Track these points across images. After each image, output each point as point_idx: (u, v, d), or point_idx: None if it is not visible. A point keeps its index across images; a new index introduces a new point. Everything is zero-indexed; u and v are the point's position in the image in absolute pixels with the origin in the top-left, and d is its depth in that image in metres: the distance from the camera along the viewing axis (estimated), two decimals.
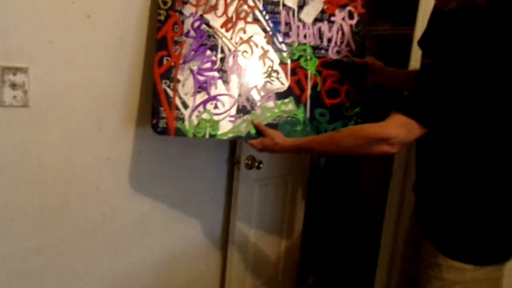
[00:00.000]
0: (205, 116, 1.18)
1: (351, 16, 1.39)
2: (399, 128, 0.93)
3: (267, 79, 1.25)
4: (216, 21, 1.22)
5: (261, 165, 1.54)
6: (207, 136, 1.18)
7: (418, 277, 1.10)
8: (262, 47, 1.26)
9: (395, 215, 1.64)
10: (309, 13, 1.36)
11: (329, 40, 1.34)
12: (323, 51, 1.33)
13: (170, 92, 1.18)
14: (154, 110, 1.14)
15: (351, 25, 1.40)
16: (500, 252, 1.00)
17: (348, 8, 1.39)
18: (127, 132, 1.21)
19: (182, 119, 1.16)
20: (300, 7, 1.32)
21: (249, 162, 1.53)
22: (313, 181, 2.12)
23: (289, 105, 1.26)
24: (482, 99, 0.87)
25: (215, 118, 1.19)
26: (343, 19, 1.37)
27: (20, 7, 0.96)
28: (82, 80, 1.10)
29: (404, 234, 1.37)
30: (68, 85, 1.07)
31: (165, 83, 1.18)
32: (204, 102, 1.18)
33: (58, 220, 1.11)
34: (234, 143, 1.57)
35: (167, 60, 1.20)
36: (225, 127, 1.19)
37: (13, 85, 0.95)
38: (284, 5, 1.29)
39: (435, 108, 0.91)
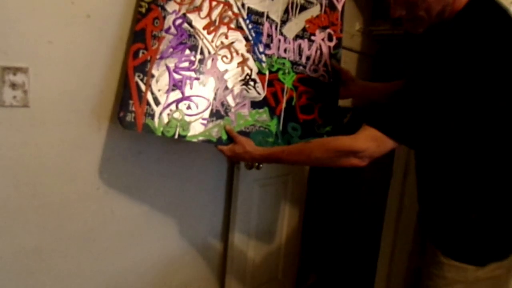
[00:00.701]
0: (176, 115, 1.11)
1: (330, 38, 1.39)
2: (369, 142, 0.91)
3: (244, 86, 1.21)
4: (199, 22, 1.17)
5: (261, 165, 1.49)
6: (176, 136, 1.11)
7: (422, 275, 1.07)
8: (242, 55, 1.22)
9: (395, 215, 1.63)
10: (291, 29, 1.33)
11: (308, 58, 1.33)
12: (301, 67, 1.32)
13: (142, 86, 1.09)
14: (123, 102, 1.05)
15: (329, 47, 1.39)
16: (499, 250, 0.98)
17: (328, 30, 1.38)
18: (127, 132, 1.15)
19: (152, 115, 1.08)
20: (283, 22, 1.29)
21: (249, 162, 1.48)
22: (313, 181, 2.05)
23: (263, 115, 1.22)
24: (457, 115, 0.85)
25: (187, 118, 1.12)
26: (322, 39, 1.37)
27: (20, 7, 0.93)
28: (82, 80, 1.07)
29: (409, 232, 1.32)
30: (68, 85, 1.04)
31: (138, 76, 1.08)
32: (178, 101, 1.12)
33: (58, 220, 1.08)
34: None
35: (143, 53, 1.12)
36: (196, 129, 1.13)
37: (13, 85, 0.93)
38: (268, 17, 1.27)
39: (406, 123, 0.89)
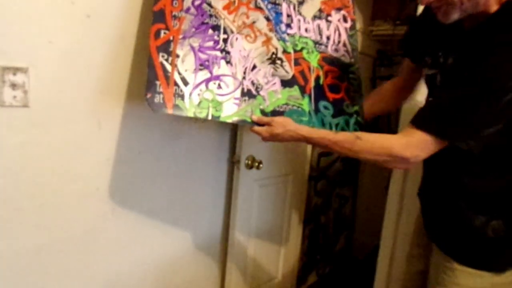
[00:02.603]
0: (207, 95, 0.98)
1: (345, 19, 1.29)
2: (420, 149, 0.85)
3: (272, 65, 1.09)
4: (218, 2, 1.05)
5: (261, 165, 1.42)
6: (209, 117, 0.97)
7: (430, 279, 1.01)
8: (266, 34, 1.10)
9: (395, 215, 1.55)
10: (308, 10, 1.19)
11: (328, 38, 1.23)
12: (323, 47, 1.21)
13: (168, 66, 0.94)
14: (149, 84, 0.92)
15: (345, 28, 1.29)
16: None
17: (342, 12, 1.28)
18: (127, 132, 1.13)
19: (182, 96, 0.95)
20: (300, 3, 1.19)
21: (249, 162, 1.42)
22: (313, 181, 1.97)
23: (294, 93, 1.10)
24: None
25: (219, 98, 0.99)
26: (338, 20, 1.26)
27: (20, 7, 0.89)
28: (82, 80, 1.01)
29: (408, 233, 1.23)
30: (68, 85, 0.99)
31: (163, 56, 0.94)
32: (207, 81, 0.99)
33: (58, 220, 1.03)
34: (234, 143, 1.45)
35: (164, 33, 0.96)
36: (230, 109, 1.00)
37: (13, 85, 0.89)
38: None
39: (459, 123, 0.82)
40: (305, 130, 1.01)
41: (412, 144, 0.86)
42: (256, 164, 1.42)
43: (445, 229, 0.99)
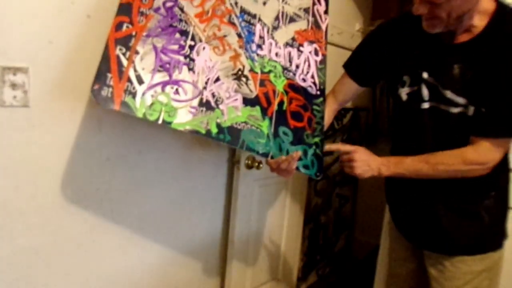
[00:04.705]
0: (162, 98, 0.88)
1: (316, 53, 1.23)
2: (493, 153, 0.91)
3: (236, 81, 1.02)
4: (191, 9, 0.98)
5: (261, 165, 1.39)
6: (160, 121, 0.87)
7: (434, 276, 1.04)
8: (235, 50, 1.03)
9: None
10: (281, 36, 1.13)
11: (297, 66, 1.17)
12: (291, 74, 1.16)
13: (124, 61, 0.84)
14: (99, 75, 0.81)
15: (316, 61, 1.25)
16: (505, 228, 1.01)
17: (315, 45, 1.24)
18: (127, 132, 1.11)
19: (133, 94, 0.84)
20: (274, 28, 1.14)
21: (249, 162, 1.39)
22: (313, 181, 1.89)
23: (255, 114, 1.04)
24: None
25: (174, 104, 0.89)
26: (310, 52, 1.21)
27: (20, 7, 0.86)
28: (82, 80, 0.98)
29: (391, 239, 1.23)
30: (68, 85, 0.96)
31: (120, 49, 0.83)
32: (164, 84, 0.89)
33: (58, 220, 1.01)
34: None
35: (127, 27, 0.84)
36: (184, 117, 0.91)
37: (13, 85, 0.88)
38: (260, 19, 1.12)
39: None
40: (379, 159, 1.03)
41: (483, 150, 0.92)
42: (256, 164, 1.39)
43: (437, 230, 1.01)
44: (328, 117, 1.23)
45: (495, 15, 0.87)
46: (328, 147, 1.08)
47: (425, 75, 0.96)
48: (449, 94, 0.92)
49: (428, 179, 0.96)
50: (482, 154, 0.90)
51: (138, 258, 1.23)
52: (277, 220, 1.65)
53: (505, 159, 0.97)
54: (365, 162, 1.01)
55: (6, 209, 0.91)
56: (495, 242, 0.99)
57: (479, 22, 0.88)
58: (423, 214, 1.02)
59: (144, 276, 1.25)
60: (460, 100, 0.91)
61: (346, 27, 2.07)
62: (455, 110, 0.91)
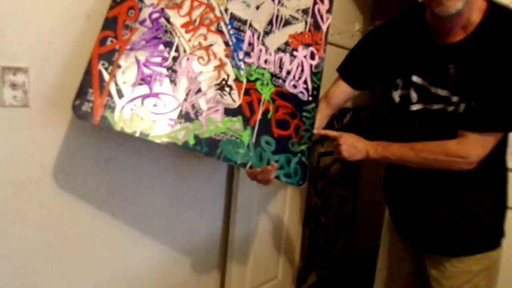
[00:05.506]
0: (140, 111, 0.92)
1: (312, 56, 1.22)
2: (477, 147, 0.92)
3: (219, 91, 1.04)
4: (177, 19, 1.00)
5: None
6: (137, 134, 0.92)
7: (435, 276, 1.06)
8: (220, 59, 1.05)
9: None
10: (273, 41, 1.14)
11: (288, 72, 1.17)
12: (280, 81, 1.15)
13: (106, 76, 0.89)
14: (81, 90, 0.86)
15: (311, 65, 1.22)
16: (502, 226, 1.02)
17: (311, 48, 1.22)
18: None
19: (113, 108, 0.89)
20: (266, 33, 1.14)
21: None
22: (313, 181, 1.89)
23: (236, 124, 1.05)
24: None
25: (152, 117, 0.94)
26: (304, 56, 1.20)
27: (20, 7, 0.87)
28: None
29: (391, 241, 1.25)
30: (68, 85, 0.95)
31: (103, 64, 0.89)
32: (144, 97, 0.93)
33: (58, 220, 1.01)
34: None
35: (111, 41, 0.90)
36: (162, 129, 0.95)
37: (13, 85, 0.88)
38: (251, 25, 1.11)
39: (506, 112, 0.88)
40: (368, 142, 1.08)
41: (467, 143, 0.93)
42: None
43: (436, 231, 1.03)
44: (320, 123, 1.23)
45: (487, 13, 0.88)
46: (316, 131, 1.15)
47: (414, 78, 0.99)
48: (443, 93, 0.94)
49: (414, 167, 1.00)
50: (464, 147, 0.91)
51: (138, 258, 1.23)
52: (277, 220, 1.66)
53: (502, 158, 0.99)
54: (351, 145, 1.07)
55: (6, 209, 0.92)
56: (494, 242, 1.00)
57: (475, 18, 0.89)
58: (421, 215, 1.03)
59: (144, 276, 1.26)
60: (454, 98, 0.92)
61: (346, 27, 1.99)
62: (449, 108, 0.93)
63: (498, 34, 0.86)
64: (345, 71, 1.14)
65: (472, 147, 0.90)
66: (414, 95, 1.00)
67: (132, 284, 1.23)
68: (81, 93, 0.88)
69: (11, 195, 0.92)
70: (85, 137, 1.03)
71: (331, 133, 1.13)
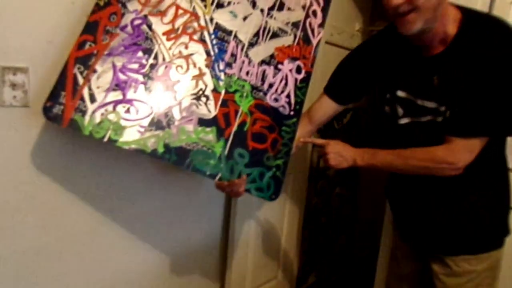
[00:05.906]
0: (111, 117, 0.93)
1: (298, 70, 1.21)
2: (463, 153, 0.92)
3: (194, 101, 1.04)
4: (160, 26, 1.00)
5: None
6: (106, 139, 0.92)
7: (438, 275, 1.06)
8: (200, 68, 1.05)
9: None
10: (258, 53, 1.14)
11: (270, 85, 1.16)
12: (261, 94, 1.14)
13: (80, 80, 0.91)
14: (54, 93, 0.88)
15: (296, 79, 1.20)
16: (507, 225, 1.02)
17: (298, 62, 1.21)
18: None
19: (83, 112, 0.91)
20: (251, 44, 1.13)
21: None
22: (313, 181, 1.91)
23: (209, 135, 1.05)
24: None
25: (122, 123, 0.95)
26: (290, 70, 1.19)
27: (20, 7, 0.88)
28: None
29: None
30: None
31: (79, 68, 0.91)
32: (116, 102, 0.95)
33: (58, 220, 1.02)
34: None
35: (90, 46, 0.92)
36: (131, 136, 0.96)
37: (13, 85, 0.89)
38: (236, 36, 1.11)
39: (491, 117, 0.90)
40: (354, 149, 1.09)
41: (454, 149, 0.93)
42: None
43: (438, 230, 1.04)
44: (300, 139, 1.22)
45: (463, 23, 0.90)
46: (303, 140, 1.18)
47: (399, 93, 1.01)
48: (431, 105, 0.96)
49: (403, 173, 1.02)
50: (451, 153, 0.92)
51: (138, 258, 1.24)
52: (277, 220, 1.67)
53: (502, 158, 1.00)
54: (338, 154, 1.08)
55: (6, 209, 0.92)
56: (497, 241, 1.01)
57: (451, 30, 0.91)
58: (422, 215, 1.04)
59: (144, 276, 1.27)
60: (442, 108, 0.94)
61: (346, 27, 1.97)
62: (438, 119, 0.95)
63: (474, 42, 0.88)
64: (331, 88, 1.18)
65: (459, 153, 0.91)
66: (400, 110, 1.02)
67: (133, 284, 1.24)
68: (54, 95, 0.90)
69: (11, 195, 0.93)
70: (84, 137, 1.01)
71: (317, 141, 1.14)
